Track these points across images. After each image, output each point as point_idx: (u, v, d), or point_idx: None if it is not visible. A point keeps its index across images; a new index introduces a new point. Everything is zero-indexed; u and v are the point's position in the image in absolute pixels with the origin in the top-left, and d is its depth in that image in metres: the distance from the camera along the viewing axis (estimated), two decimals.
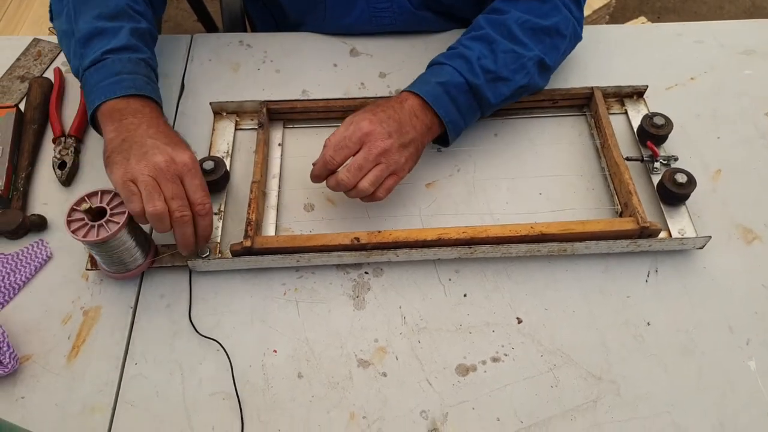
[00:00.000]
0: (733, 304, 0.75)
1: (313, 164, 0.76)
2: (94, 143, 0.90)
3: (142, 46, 0.82)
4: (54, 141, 0.88)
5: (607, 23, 2.26)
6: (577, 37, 0.90)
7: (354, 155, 0.74)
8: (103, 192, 0.70)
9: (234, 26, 1.22)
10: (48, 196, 0.84)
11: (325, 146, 0.75)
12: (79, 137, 0.89)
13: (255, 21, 1.24)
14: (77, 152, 0.87)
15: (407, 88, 0.80)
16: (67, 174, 0.84)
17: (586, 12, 2.13)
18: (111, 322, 0.74)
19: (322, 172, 0.76)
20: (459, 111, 0.80)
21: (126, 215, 0.69)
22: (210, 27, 2.25)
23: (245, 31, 1.22)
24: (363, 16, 0.98)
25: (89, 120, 0.79)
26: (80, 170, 0.87)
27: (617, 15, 2.32)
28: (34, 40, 1.01)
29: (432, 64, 0.83)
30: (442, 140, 0.84)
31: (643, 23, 2.10)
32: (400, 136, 0.75)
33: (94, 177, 0.86)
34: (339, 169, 0.74)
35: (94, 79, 0.77)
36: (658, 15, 2.38)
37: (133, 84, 0.76)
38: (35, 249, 0.79)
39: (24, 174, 0.84)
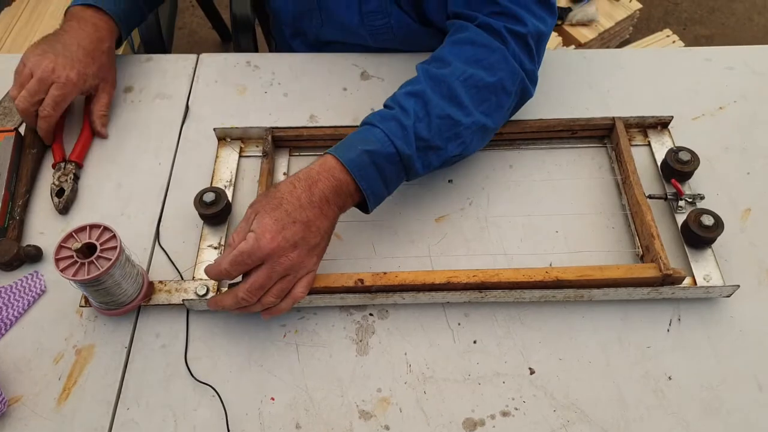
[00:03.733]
0: (762, 358, 0.70)
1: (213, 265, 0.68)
2: (94, 170, 0.87)
3: None
4: (54, 166, 0.85)
5: (630, 35, 2.20)
6: (527, 94, 0.81)
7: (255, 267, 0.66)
8: (92, 226, 0.67)
9: (245, 39, 1.19)
10: (45, 226, 0.82)
11: (228, 245, 0.67)
12: (80, 163, 0.86)
13: (271, 38, 1.22)
14: (76, 178, 0.85)
15: (331, 151, 0.71)
16: (65, 202, 0.82)
17: (609, 24, 2.08)
18: (104, 363, 0.71)
19: (217, 279, 0.69)
20: (384, 182, 0.72)
21: (118, 250, 0.66)
22: (224, 34, 2.24)
23: (255, 38, 1.19)
24: (361, 32, 0.95)
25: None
26: (78, 198, 0.84)
27: (641, 26, 2.26)
28: None
29: (365, 123, 0.75)
30: (361, 207, 0.75)
31: (668, 36, 2.04)
32: (307, 239, 0.67)
33: (92, 205, 0.84)
34: (239, 286, 0.66)
35: None
36: (684, 26, 2.31)
37: None
38: (29, 282, 0.76)
39: (21, 201, 0.81)
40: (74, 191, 0.83)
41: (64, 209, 0.82)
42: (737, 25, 2.32)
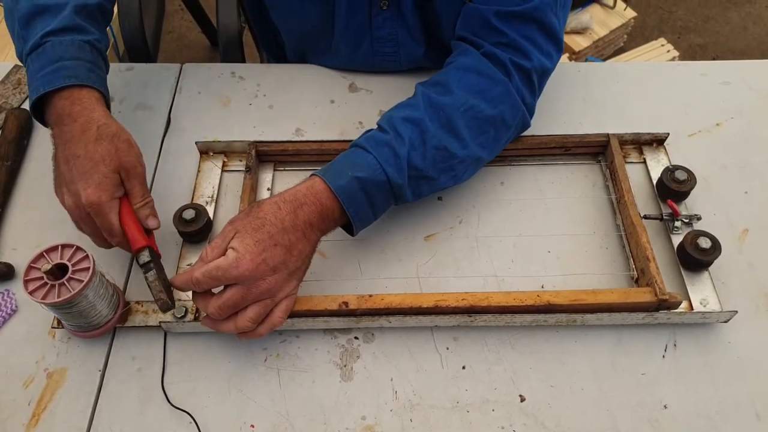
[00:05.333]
0: (760, 386, 0.68)
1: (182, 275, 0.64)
2: None
3: (89, 26, 0.75)
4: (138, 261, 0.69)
5: (624, 43, 2.19)
6: (525, 126, 0.80)
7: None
8: (64, 246, 0.65)
9: (231, 50, 1.16)
10: (18, 241, 0.79)
11: (200, 259, 0.64)
12: (140, 248, 0.69)
13: (261, 48, 1.18)
14: (147, 266, 0.68)
15: (319, 174, 0.68)
16: (164, 301, 0.67)
17: (604, 32, 2.07)
18: (77, 387, 0.68)
19: (183, 288, 0.65)
20: (372, 208, 0.70)
21: (90, 271, 0.63)
22: (213, 39, 2.21)
23: (242, 47, 1.15)
24: (366, 58, 0.92)
25: (30, 109, 0.72)
26: (53, 212, 0.80)
27: (636, 34, 2.24)
28: (15, 66, 0.95)
29: (356, 146, 0.71)
30: (346, 229, 0.72)
31: (662, 45, 2.02)
32: (287, 264, 0.64)
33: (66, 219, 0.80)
34: (211, 301, 0.63)
35: (34, 67, 0.71)
36: (678, 35, 2.30)
37: (74, 73, 0.70)
38: (0, 301, 0.73)
39: None
40: (159, 281, 0.67)
41: (165, 305, 0.67)
42: (732, 34, 2.31)
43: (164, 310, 0.68)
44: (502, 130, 0.76)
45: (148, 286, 0.67)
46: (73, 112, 0.69)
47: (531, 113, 0.79)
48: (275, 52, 1.11)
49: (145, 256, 0.68)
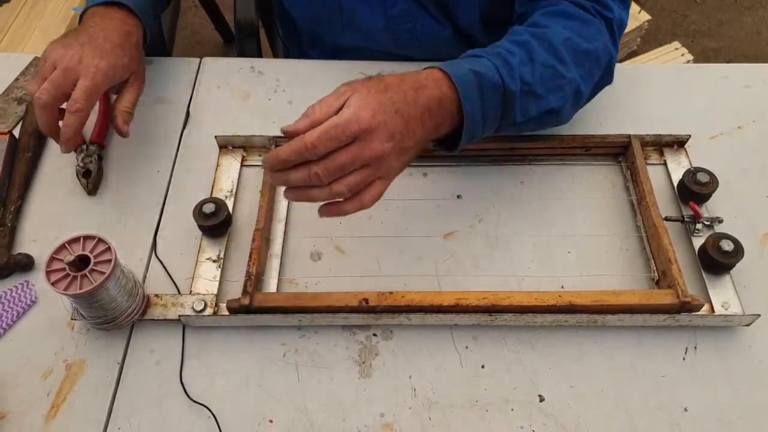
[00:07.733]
0: None
1: (283, 132, 0.59)
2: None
3: None
4: (75, 150, 0.82)
5: (638, 46, 2.18)
6: (610, 73, 0.79)
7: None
8: (86, 238, 0.64)
9: (248, 40, 1.16)
10: (38, 233, 0.79)
11: (305, 115, 0.58)
12: (102, 144, 0.84)
13: (269, 35, 1.19)
14: (100, 159, 0.83)
15: (435, 65, 0.65)
16: (93, 183, 0.81)
17: None
18: (95, 379, 0.68)
19: (292, 158, 0.58)
20: (483, 112, 0.66)
21: (112, 263, 0.63)
22: (227, 36, 2.21)
23: (259, 44, 1.15)
24: (382, 37, 0.92)
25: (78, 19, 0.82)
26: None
27: (649, 38, 2.23)
28: (36, 58, 0.96)
29: (465, 56, 0.69)
30: (449, 142, 0.69)
31: (676, 48, 2.01)
32: (404, 138, 0.60)
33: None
34: (317, 161, 0.58)
35: None
36: (692, 39, 2.29)
37: None
38: (19, 292, 0.73)
39: (13, 207, 0.78)
40: (100, 172, 0.82)
41: (93, 190, 0.81)
42: (746, 39, 2.30)
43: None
44: (596, 67, 0.76)
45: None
46: (107, 14, 0.79)
47: (613, 64, 0.79)
48: (297, 48, 1.12)
49: (93, 148, 0.82)
